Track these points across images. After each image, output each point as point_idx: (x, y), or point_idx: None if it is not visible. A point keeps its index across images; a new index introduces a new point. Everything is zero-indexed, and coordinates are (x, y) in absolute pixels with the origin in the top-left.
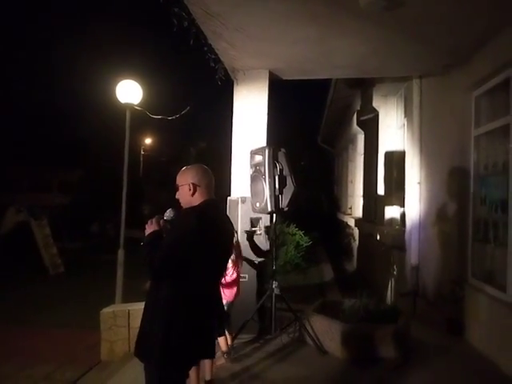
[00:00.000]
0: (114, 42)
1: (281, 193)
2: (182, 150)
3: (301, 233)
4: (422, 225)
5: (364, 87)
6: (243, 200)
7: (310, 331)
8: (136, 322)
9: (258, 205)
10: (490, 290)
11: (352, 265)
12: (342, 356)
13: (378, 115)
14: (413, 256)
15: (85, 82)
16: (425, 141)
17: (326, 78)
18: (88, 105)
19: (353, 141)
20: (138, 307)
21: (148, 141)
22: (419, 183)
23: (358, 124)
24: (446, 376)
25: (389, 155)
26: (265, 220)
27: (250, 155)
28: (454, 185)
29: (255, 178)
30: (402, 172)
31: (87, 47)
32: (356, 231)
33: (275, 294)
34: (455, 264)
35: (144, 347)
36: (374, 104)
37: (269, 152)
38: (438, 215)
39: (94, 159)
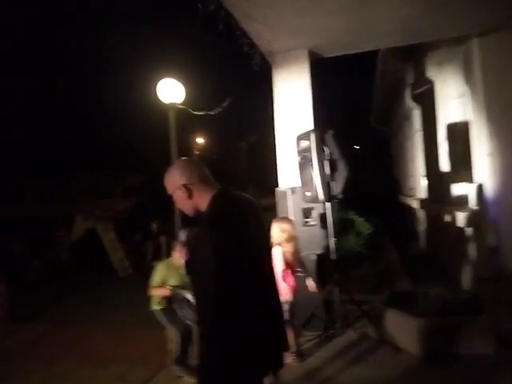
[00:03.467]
0: (151, 41)
1: (332, 179)
2: (233, 146)
3: (361, 220)
4: (497, 201)
5: (415, 58)
6: (293, 190)
7: (380, 326)
8: None
9: (308, 194)
10: None
11: (418, 250)
12: (419, 353)
13: (433, 86)
14: (491, 236)
15: (132, 84)
16: (492, 108)
17: (370, 49)
18: (139, 109)
19: (408, 117)
20: None
21: (200, 140)
22: (490, 155)
23: (412, 98)
24: None
25: (450, 128)
26: (319, 209)
27: (296, 141)
28: None
29: (303, 166)
30: (467, 145)
31: (124, 50)
32: (421, 213)
33: (338, 288)
34: None
35: None
36: (429, 74)
37: (315, 135)
38: None
39: (152, 163)
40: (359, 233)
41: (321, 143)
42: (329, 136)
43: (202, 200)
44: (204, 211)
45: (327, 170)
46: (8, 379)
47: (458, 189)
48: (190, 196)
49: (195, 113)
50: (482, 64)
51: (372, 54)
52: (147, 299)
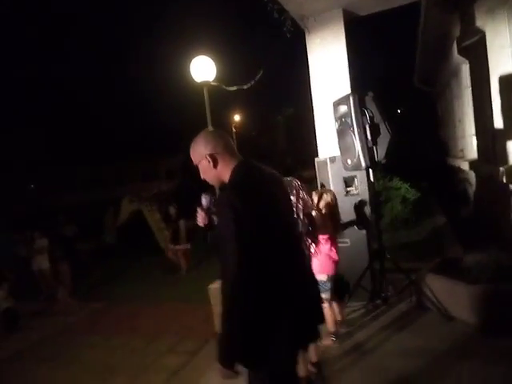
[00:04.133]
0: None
1: (375, 144)
2: (270, 120)
3: (406, 185)
4: None
5: (461, 8)
6: (332, 159)
7: (430, 295)
8: None
9: (349, 162)
10: None
11: (469, 214)
12: (473, 322)
13: (484, 36)
14: None
15: (165, 64)
16: None
17: (410, 1)
18: (174, 90)
19: (456, 74)
20: None
21: (237, 118)
22: None
23: (459, 52)
24: None
25: (505, 80)
26: (361, 178)
27: (333, 107)
28: None
29: (342, 132)
30: None
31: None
32: (471, 175)
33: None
34: None
35: None
36: (478, 23)
37: (354, 99)
38: None
39: (188, 144)
40: (405, 199)
41: (360, 107)
42: (369, 98)
43: (226, 170)
44: (226, 188)
45: (369, 135)
46: (70, 352)
47: None
48: (215, 165)
49: (228, 88)
50: None
51: (413, 9)
52: (192, 274)
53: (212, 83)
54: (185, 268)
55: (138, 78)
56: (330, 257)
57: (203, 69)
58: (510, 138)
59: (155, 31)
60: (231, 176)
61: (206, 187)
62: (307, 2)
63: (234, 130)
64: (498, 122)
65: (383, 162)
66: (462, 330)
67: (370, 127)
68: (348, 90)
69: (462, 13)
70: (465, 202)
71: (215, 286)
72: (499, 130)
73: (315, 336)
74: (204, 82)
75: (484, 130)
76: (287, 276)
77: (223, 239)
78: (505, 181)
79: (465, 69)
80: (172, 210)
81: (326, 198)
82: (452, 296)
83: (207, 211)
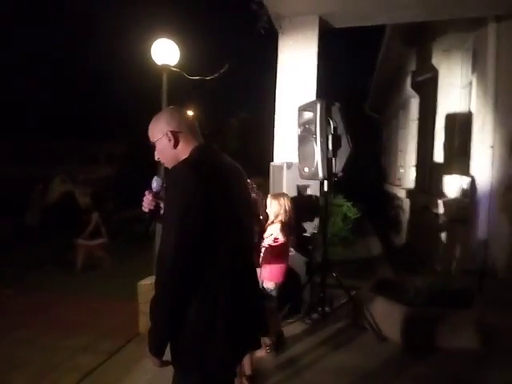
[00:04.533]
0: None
1: (334, 155)
2: (224, 121)
3: (349, 204)
4: (493, 194)
5: (421, 44)
6: (289, 165)
7: (367, 314)
8: None
9: (306, 170)
10: None
11: (401, 238)
12: (402, 343)
13: (437, 74)
14: (480, 230)
15: (125, 46)
16: (502, 98)
17: (384, 22)
18: (128, 73)
19: (405, 106)
20: None
21: (190, 113)
22: (492, 147)
23: (412, 86)
24: None
25: (450, 118)
26: (314, 188)
27: (297, 112)
28: None
29: (304, 139)
30: (467, 136)
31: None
32: (406, 203)
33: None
34: None
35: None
36: (434, 61)
37: (321, 106)
38: None
39: (138, 131)
40: (346, 217)
41: (326, 115)
42: (335, 109)
43: (186, 151)
44: (182, 161)
45: (330, 146)
46: None
47: (450, 180)
48: (176, 144)
49: (190, 77)
50: (497, 50)
51: (377, 38)
52: (117, 268)
53: (173, 68)
54: (105, 264)
55: (91, 54)
56: (281, 265)
57: (165, 52)
58: (447, 173)
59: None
60: (190, 155)
61: (148, 176)
62: (286, 1)
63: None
64: (438, 157)
65: (340, 174)
66: (391, 350)
67: (332, 137)
68: (313, 97)
69: (419, 49)
70: (397, 226)
71: (146, 283)
72: (438, 164)
73: (254, 344)
74: (164, 65)
75: (424, 162)
76: (230, 275)
77: (166, 217)
78: (436, 211)
79: (414, 102)
80: (84, 200)
81: (283, 202)
82: (386, 316)
83: (155, 196)
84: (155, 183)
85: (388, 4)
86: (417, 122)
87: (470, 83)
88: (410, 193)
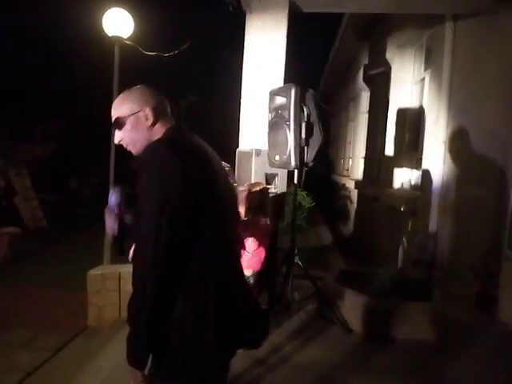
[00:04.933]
0: None
1: (307, 144)
2: (172, 103)
3: (303, 193)
4: (444, 188)
5: (375, 38)
6: (258, 152)
7: (332, 305)
8: (127, 286)
9: (277, 158)
10: None
11: (349, 228)
12: (369, 335)
13: (389, 69)
14: (430, 222)
15: (68, 12)
16: (456, 95)
17: (353, 11)
18: (74, 43)
19: (355, 99)
20: (129, 269)
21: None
22: (445, 142)
23: (364, 80)
24: (487, 360)
25: (401, 113)
26: (281, 176)
27: (268, 96)
28: (496, 144)
29: (275, 125)
30: (417, 131)
31: None
32: (354, 193)
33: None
34: (487, 233)
35: None
36: (388, 56)
37: (295, 91)
38: (468, 178)
39: (79, 107)
40: (301, 206)
41: (300, 102)
42: (310, 95)
43: (160, 132)
44: (156, 140)
45: (303, 134)
46: None
47: (400, 173)
48: (154, 123)
49: (145, 53)
50: (453, 49)
51: (333, 28)
52: (60, 256)
53: (126, 41)
54: (3, 256)
55: (28, 16)
56: (259, 254)
57: (118, 22)
58: (397, 166)
59: None
60: (164, 134)
61: (90, 156)
62: None
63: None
64: (389, 150)
65: (311, 164)
66: (360, 342)
67: (306, 125)
68: (281, 82)
69: (373, 43)
70: (345, 216)
71: (96, 273)
72: (388, 157)
73: (250, 341)
74: (117, 37)
75: (372, 154)
76: (217, 264)
77: (141, 204)
78: (385, 202)
79: (365, 95)
80: (22, 182)
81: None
82: (353, 309)
83: (118, 213)
84: (113, 197)
85: None
86: (367, 114)
87: (423, 79)
88: (358, 183)
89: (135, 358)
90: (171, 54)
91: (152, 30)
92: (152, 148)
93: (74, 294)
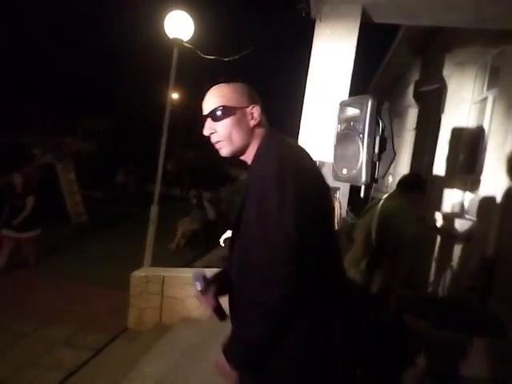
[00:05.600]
0: None
1: (379, 159)
2: None
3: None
4: (509, 215)
5: (429, 54)
6: (321, 164)
7: None
8: (170, 291)
9: (344, 172)
10: None
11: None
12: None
13: (445, 87)
14: (488, 249)
15: (124, 13)
16: None
17: (427, 24)
18: (128, 46)
19: (402, 114)
20: (174, 274)
21: (175, 95)
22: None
23: (413, 96)
24: None
25: (456, 132)
26: (343, 191)
27: (339, 107)
28: None
29: (346, 137)
30: (474, 152)
31: None
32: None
33: None
34: None
35: None
36: (444, 73)
37: (372, 104)
38: None
39: (124, 107)
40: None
41: (376, 114)
42: (385, 108)
43: (259, 137)
44: (257, 155)
45: (377, 148)
46: None
47: (451, 195)
48: (257, 125)
49: (204, 56)
50: None
51: (386, 42)
52: (101, 253)
53: (186, 44)
54: (32, 262)
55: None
56: None
57: (179, 25)
58: (448, 187)
59: None
60: (268, 145)
61: (129, 154)
62: None
63: (170, 107)
64: (439, 170)
65: (380, 181)
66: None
67: (380, 139)
68: (346, 93)
69: (427, 59)
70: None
71: (139, 274)
72: (438, 177)
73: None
74: (177, 39)
75: (421, 172)
76: (336, 288)
77: (258, 223)
78: (436, 224)
79: (412, 112)
80: (18, 180)
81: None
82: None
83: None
84: (198, 284)
85: (436, 4)
86: (413, 132)
87: (485, 99)
88: None
89: (239, 362)
90: (231, 58)
91: (211, 33)
92: (278, 163)
93: (112, 292)
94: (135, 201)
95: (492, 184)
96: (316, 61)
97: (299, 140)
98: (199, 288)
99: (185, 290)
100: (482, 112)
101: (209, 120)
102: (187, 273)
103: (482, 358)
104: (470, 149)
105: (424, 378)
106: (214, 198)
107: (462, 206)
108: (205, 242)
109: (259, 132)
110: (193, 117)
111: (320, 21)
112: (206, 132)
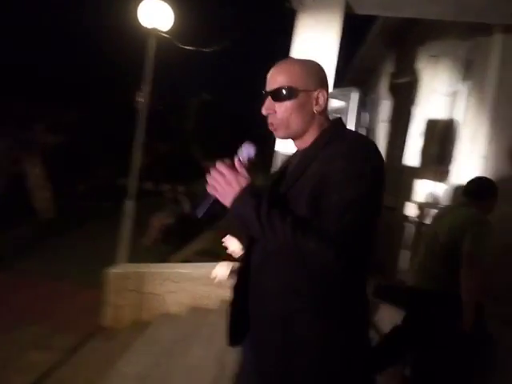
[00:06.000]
0: None
1: None
2: (184, 99)
3: None
4: None
5: (403, 47)
6: None
7: (374, 323)
8: (148, 287)
9: None
10: None
11: None
12: None
13: (419, 79)
14: None
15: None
16: (503, 109)
17: (409, 16)
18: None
19: (375, 106)
20: (153, 270)
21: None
22: (485, 157)
23: (388, 87)
24: None
25: (429, 124)
26: None
27: None
28: None
29: None
30: (446, 143)
31: None
32: None
33: None
34: None
35: None
36: (418, 65)
37: (356, 96)
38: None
39: (95, 97)
40: None
41: (360, 107)
42: (369, 100)
43: (320, 124)
44: (329, 137)
45: None
46: None
47: (423, 186)
48: (324, 110)
49: (184, 47)
50: (502, 63)
51: (362, 35)
52: (72, 249)
53: (164, 34)
54: None
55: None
56: None
57: (154, 14)
58: (420, 177)
59: None
60: (337, 130)
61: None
62: None
63: (139, 99)
64: (412, 161)
65: None
66: None
67: (366, 131)
68: (330, 85)
69: (402, 51)
70: None
71: (115, 271)
72: (411, 168)
73: None
74: (153, 29)
75: (392, 164)
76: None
77: (342, 193)
78: (408, 214)
79: (385, 104)
80: (34, 170)
81: None
82: (391, 325)
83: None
84: (245, 151)
85: None
86: (387, 123)
87: (457, 92)
88: None
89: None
90: (212, 49)
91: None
92: (366, 141)
93: (85, 289)
94: (107, 195)
95: (463, 174)
96: (298, 51)
97: None
98: (246, 155)
99: (164, 285)
100: (454, 104)
101: (269, 98)
102: (166, 268)
103: None
104: (442, 140)
105: None
106: (189, 192)
107: (435, 195)
108: (180, 236)
109: (320, 120)
110: (165, 108)
111: (303, 12)
112: (264, 111)
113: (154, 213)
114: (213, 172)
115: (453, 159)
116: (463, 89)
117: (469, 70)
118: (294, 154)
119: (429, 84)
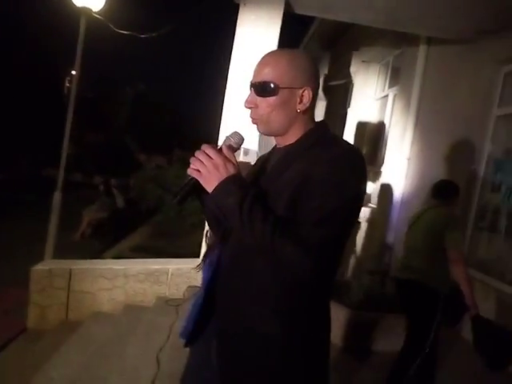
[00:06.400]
0: None
1: None
2: (117, 89)
3: None
4: (404, 203)
5: (338, 50)
6: (246, 151)
7: None
8: (78, 285)
9: None
10: (487, 279)
11: None
12: (347, 348)
13: (351, 82)
14: (388, 234)
15: None
16: (424, 114)
17: (344, 20)
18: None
19: None
20: (82, 266)
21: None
22: (409, 159)
23: (322, 89)
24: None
25: (361, 126)
26: None
27: None
28: (459, 166)
29: None
30: (377, 145)
31: None
32: None
33: None
34: None
35: None
36: (351, 69)
37: None
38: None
39: (17, 81)
40: None
41: None
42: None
43: (304, 125)
44: (313, 138)
45: None
46: None
47: None
48: (304, 111)
49: (118, 30)
50: (424, 72)
51: (298, 38)
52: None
53: (95, 15)
54: None
55: None
56: None
57: None
58: None
59: None
60: (329, 133)
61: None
62: None
63: (67, 83)
64: None
65: None
66: (340, 355)
67: None
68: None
69: (336, 54)
70: None
71: (41, 268)
72: None
73: None
74: (85, 8)
75: None
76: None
77: (325, 199)
78: None
79: (320, 105)
80: None
81: None
82: (334, 320)
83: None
84: (237, 138)
85: (355, 1)
86: None
87: (386, 96)
88: None
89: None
90: (148, 35)
91: (127, 9)
92: (352, 150)
93: (7, 290)
94: (31, 187)
95: (392, 175)
96: (239, 45)
97: (222, 127)
98: (235, 143)
99: (96, 283)
100: (383, 108)
101: (252, 91)
102: (98, 264)
103: (394, 333)
104: (372, 142)
105: (342, 356)
106: (123, 185)
107: (366, 195)
108: (113, 231)
109: (304, 119)
110: (97, 96)
111: (244, 5)
112: (245, 104)
113: (85, 206)
114: (198, 154)
115: (383, 160)
116: (391, 94)
117: (396, 76)
118: (271, 150)
119: (361, 88)
